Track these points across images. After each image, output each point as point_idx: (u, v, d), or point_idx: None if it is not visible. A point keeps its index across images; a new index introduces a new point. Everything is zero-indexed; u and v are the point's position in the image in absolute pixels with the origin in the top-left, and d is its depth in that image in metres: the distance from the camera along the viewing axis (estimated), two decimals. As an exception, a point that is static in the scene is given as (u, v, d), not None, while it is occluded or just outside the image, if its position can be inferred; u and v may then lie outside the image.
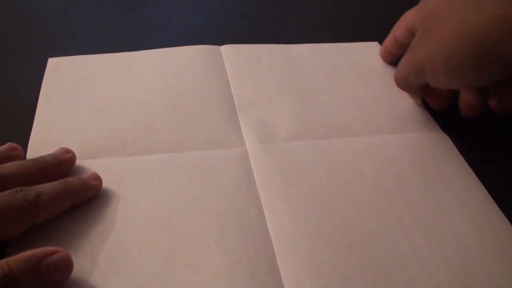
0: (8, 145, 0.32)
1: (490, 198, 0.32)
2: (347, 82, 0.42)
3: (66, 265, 0.25)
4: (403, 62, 0.37)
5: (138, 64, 0.42)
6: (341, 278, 0.27)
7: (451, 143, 0.36)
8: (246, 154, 0.34)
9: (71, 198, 0.29)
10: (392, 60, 0.44)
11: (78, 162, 0.33)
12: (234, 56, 0.44)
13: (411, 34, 0.38)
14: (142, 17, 0.50)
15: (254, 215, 0.30)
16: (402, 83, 0.38)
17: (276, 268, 0.27)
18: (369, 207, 0.31)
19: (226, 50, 0.44)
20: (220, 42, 0.45)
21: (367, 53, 0.45)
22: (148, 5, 0.52)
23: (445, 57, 0.31)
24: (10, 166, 0.29)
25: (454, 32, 0.31)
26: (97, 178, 0.31)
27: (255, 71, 0.42)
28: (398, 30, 0.40)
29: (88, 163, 0.33)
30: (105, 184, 0.31)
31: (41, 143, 0.34)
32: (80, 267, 0.26)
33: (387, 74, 0.43)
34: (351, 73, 0.43)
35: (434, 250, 0.29)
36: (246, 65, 0.42)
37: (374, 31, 0.49)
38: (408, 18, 0.39)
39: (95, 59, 0.42)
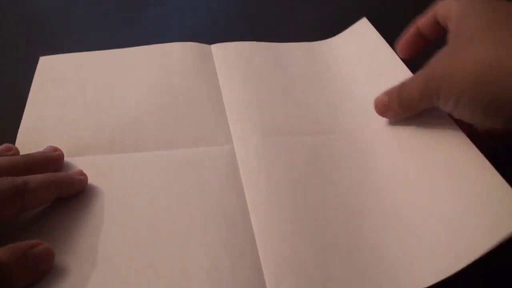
0: (4, 145, 0.33)
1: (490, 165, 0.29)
2: (335, 78, 0.41)
3: (49, 255, 0.27)
4: (414, 77, 0.32)
5: (129, 60, 0.42)
6: (323, 276, 0.27)
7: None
8: (233, 152, 0.34)
9: (57, 188, 0.29)
10: (409, 55, 0.38)
11: (65, 159, 0.33)
12: (224, 54, 0.43)
13: (437, 27, 0.34)
14: (142, 17, 0.50)
15: (239, 212, 0.30)
16: (409, 104, 0.32)
17: (258, 265, 0.27)
18: (355, 205, 0.30)
19: (216, 48, 0.44)
20: (219, 42, 0.45)
21: (357, 40, 0.44)
22: (147, 5, 0.52)
23: (464, 84, 0.27)
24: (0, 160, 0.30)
25: (482, 61, 0.26)
26: (82, 174, 0.31)
27: (244, 69, 0.42)
28: (424, 18, 0.35)
29: (75, 161, 0.33)
30: (92, 181, 0.31)
31: (29, 140, 0.34)
32: (64, 261, 0.27)
33: (374, 64, 0.40)
34: (340, 69, 0.42)
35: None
36: (236, 63, 0.42)
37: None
38: (440, 7, 0.33)
39: (86, 56, 0.42)
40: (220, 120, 0.37)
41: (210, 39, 0.46)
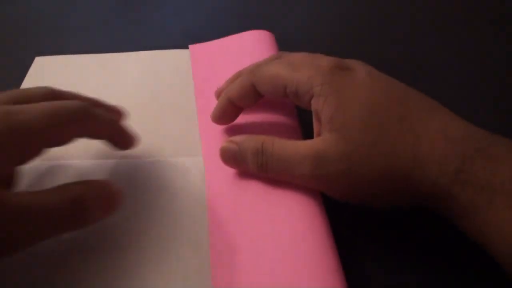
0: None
1: None
2: None
3: (118, 195, 0.27)
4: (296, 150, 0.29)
5: (120, 66, 0.42)
6: None
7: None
8: (201, 164, 0.33)
9: (112, 126, 0.30)
10: (225, 123, 0.34)
11: (38, 163, 0.33)
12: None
13: (254, 97, 0.32)
14: (142, 17, 0.50)
15: (198, 228, 0.29)
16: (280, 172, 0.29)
17: (209, 285, 0.26)
18: None
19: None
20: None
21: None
22: (147, 6, 0.52)
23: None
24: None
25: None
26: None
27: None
28: (238, 90, 0.32)
29: (45, 165, 0.33)
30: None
31: None
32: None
33: None
34: None
35: None
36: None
37: (374, 32, 0.47)
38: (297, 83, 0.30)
39: (80, 59, 0.43)
40: (192, 131, 0.36)
41: (210, 39, 0.46)
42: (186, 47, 0.44)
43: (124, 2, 0.53)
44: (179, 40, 0.47)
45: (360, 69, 0.30)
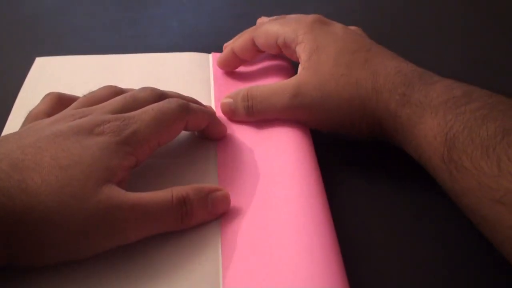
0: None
1: None
2: None
3: (225, 201, 0.29)
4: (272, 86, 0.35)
5: (123, 68, 0.42)
6: None
7: None
8: (215, 167, 0.33)
9: (210, 118, 0.33)
10: (228, 70, 0.41)
11: None
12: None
13: (254, 52, 0.39)
14: (142, 17, 0.50)
15: (210, 231, 0.28)
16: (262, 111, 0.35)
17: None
18: None
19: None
20: (219, 42, 0.44)
21: None
22: (147, 5, 0.52)
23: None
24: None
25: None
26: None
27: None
28: (241, 44, 0.39)
29: None
30: None
31: None
32: None
33: None
34: None
35: None
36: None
37: (374, 32, 0.47)
38: (279, 35, 0.37)
39: (82, 60, 0.42)
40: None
41: (210, 39, 0.46)
42: (186, 48, 0.45)
43: (124, 2, 0.53)
44: (179, 40, 0.47)
45: (336, 25, 0.37)
